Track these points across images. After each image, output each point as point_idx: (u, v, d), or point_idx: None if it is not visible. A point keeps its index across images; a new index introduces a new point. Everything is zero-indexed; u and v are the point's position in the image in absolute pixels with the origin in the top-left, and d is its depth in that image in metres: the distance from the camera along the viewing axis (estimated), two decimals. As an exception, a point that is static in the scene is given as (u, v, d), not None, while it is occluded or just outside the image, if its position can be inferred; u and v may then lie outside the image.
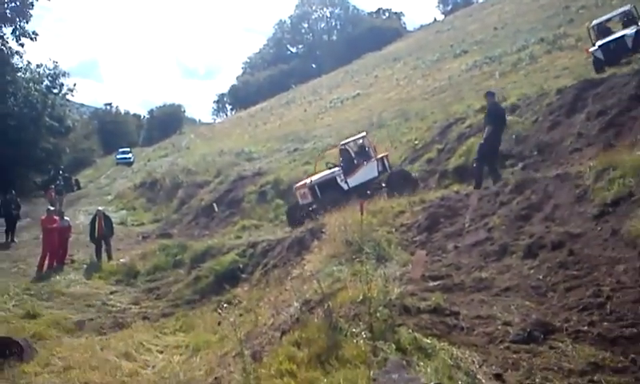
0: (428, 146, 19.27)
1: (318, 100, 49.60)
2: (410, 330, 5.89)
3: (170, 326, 13.40)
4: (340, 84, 53.83)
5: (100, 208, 21.15)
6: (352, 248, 9.70)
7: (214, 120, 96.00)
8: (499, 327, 6.25)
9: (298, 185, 18.56)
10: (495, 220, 9.72)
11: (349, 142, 18.92)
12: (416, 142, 20.25)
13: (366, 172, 17.57)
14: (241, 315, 11.02)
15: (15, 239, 22.99)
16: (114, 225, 20.98)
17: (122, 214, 29.51)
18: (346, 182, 17.36)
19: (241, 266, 15.43)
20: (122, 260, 18.86)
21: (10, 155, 39.33)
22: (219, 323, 9.45)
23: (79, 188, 43.50)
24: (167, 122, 78.29)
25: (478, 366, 5.33)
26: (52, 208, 20.54)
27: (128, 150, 60.44)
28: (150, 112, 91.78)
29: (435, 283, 7.66)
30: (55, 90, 48.70)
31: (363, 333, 5.79)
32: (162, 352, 11.58)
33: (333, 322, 6.16)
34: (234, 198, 24.93)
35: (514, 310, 6.60)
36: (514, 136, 15.42)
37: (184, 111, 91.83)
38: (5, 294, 15.22)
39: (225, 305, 10.26)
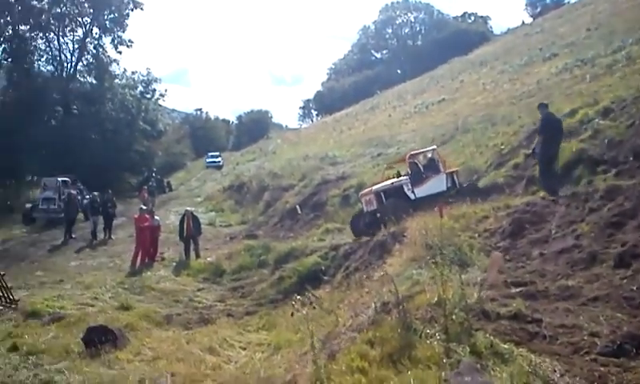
0: (515, 150, 18.65)
1: (403, 105, 49.16)
2: (488, 335, 5.77)
3: (254, 323, 13.75)
4: (425, 89, 53.09)
5: (188, 208, 21.95)
6: (432, 252, 9.60)
7: (300, 125, 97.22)
8: (585, 338, 5.96)
9: (363, 192, 18.39)
10: (584, 227, 9.33)
11: (418, 154, 18.68)
12: (502, 147, 19.67)
13: (435, 184, 17.03)
14: (321, 317, 11.15)
15: (112, 236, 24.25)
16: (202, 225, 21.74)
17: (210, 215, 30.45)
18: (413, 192, 16.91)
19: (323, 268, 15.64)
20: (209, 259, 19.56)
21: (108, 157, 41.63)
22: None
23: (170, 190, 45.14)
24: (255, 128, 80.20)
25: (559, 375, 5.11)
26: (144, 207, 21.53)
27: (217, 154, 62.26)
28: (239, 118, 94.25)
29: (517, 290, 7.43)
30: (148, 96, 51.21)
31: (437, 334, 5.72)
32: (244, 348, 11.90)
33: (407, 323, 6.14)
34: (317, 202, 25.16)
35: (602, 321, 6.27)
36: (606, 141, 14.69)
37: (271, 117, 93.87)
38: (103, 286, 16.25)
39: (303, 304, 10.38)
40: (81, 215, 27.19)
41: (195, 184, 49.67)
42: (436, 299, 6.50)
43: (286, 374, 8.65)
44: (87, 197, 28.78)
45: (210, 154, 61.95)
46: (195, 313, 14.86)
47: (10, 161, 38.65)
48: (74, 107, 45.15)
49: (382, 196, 17.00)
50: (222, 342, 12.04)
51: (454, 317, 6.04)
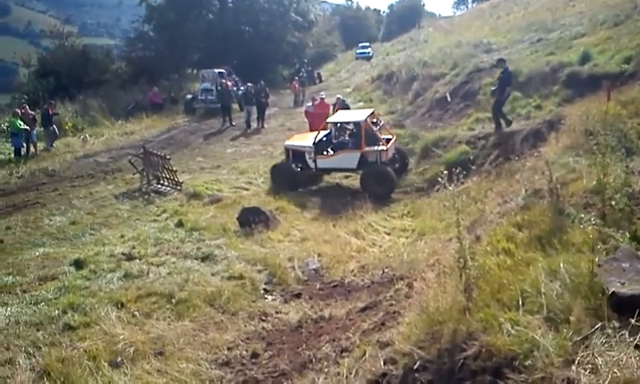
0: None
1: (571, -16, 44.63)
2: (653, 224, 5.20)
3: (398, 210, 13.82)
4: (601, -34, 47.50)
5: (339, 96, 22.05)
6: (593, 139, 8.80)
7: (454, 13, 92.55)
8: None
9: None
10: None
11: (340, 123, 16.93)
12: (687, 27, 17.24)
13: (342, 160, 15.67)
14: (468, 205, 10.86)
15: (265, 125, 25.16)
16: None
17: (359, 105, 30.40)
18: (315, 162, 15.75)
19: (471, 157, 15.12)
20: (357, 148, 19.70)
21: (261, 49, 42.64)
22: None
23: (320, 81, 45.40)
24: (406, 17, 77.57)
25: None
26: (323, 94, 22.18)
27: (367, 44, 61.42)
28: (390, 7, 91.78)
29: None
30: (300, -14, 50.87)
31: (593, 220, 5.23)
32: (388, 234, 12.06)
33: (560, 207, 5.72)
34: (469, 91, 23.97)
35: None
36: None
37: (423, 5, 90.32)
38: (256, 172, 17.07)
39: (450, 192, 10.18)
40: (236, 105, 28.36)
41: (344, 75, 49.59)
42: (594, 184, 5.95)
43: (429, 258, 8.62)
44: (241, 88, 29.84)
45: (361, 44, 61.23)
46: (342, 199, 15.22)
47: (173, 56, 41.10)
48: (230, 1, 46.23)
49: (290, 154, 16.28)
50: (367, 226, 12.30)
51: (613, 203, 5.49)
